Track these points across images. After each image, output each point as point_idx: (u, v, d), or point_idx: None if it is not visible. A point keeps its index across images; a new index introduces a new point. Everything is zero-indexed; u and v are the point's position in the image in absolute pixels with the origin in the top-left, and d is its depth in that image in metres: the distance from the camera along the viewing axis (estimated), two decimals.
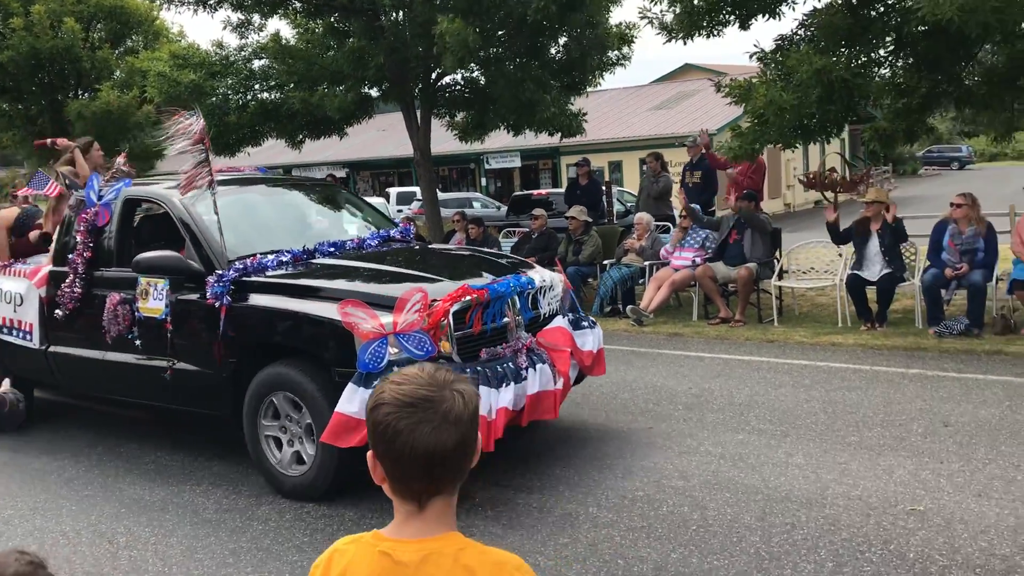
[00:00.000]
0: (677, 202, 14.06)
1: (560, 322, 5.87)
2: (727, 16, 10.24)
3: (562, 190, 19.82)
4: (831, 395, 7.00)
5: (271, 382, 5.40)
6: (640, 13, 10.67)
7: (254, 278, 5.61)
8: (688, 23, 10.18)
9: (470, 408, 1.59)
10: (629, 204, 21.00)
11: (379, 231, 6.91)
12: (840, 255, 10.40)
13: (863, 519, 4.60)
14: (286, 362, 5.37)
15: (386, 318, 4.89)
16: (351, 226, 7.16)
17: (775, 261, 10.77)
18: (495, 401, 4.92)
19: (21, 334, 6.99)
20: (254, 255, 5.82)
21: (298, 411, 5.30)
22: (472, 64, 13.59)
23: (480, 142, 16.78)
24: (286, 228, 6.70)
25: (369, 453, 1.62)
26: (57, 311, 6.59)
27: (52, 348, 6.81)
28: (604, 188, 15.54)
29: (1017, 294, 8.76)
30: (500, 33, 13.81)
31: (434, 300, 5.05)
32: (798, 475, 5.27)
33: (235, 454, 6.27)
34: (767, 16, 10.34)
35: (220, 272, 5.60)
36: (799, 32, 10.27)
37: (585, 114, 15.37)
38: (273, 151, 27.30)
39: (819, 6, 10.11)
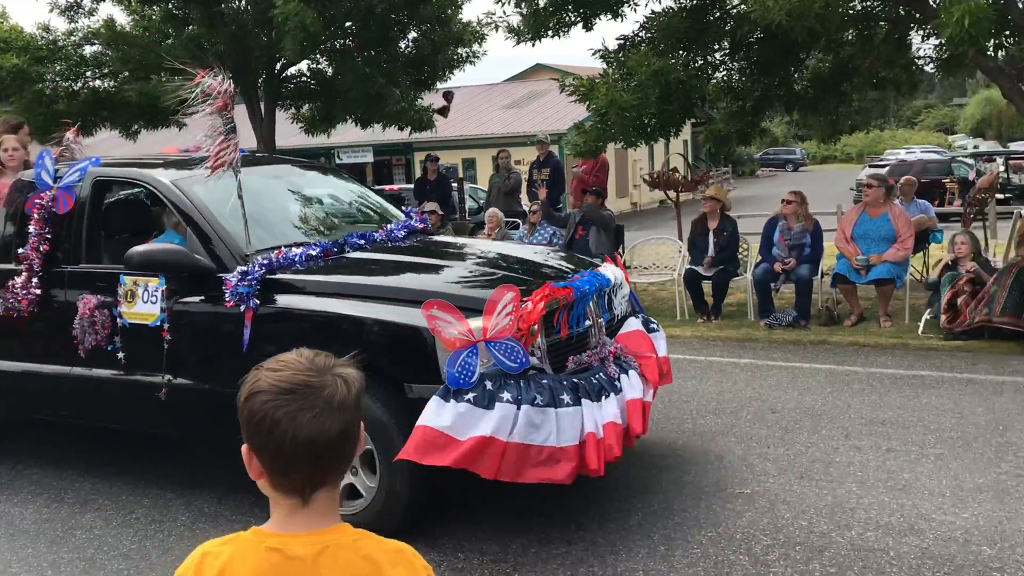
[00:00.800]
0: (526, 198, 14.24)
1: (636, 325, 5.19)
2: (571, 16, 10.43)
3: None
4: (668, 385, 7.23)
5: None
6: (487, 18, 10.76)
7: (281, 276, 4.66)
8: (534, 24, 10.33)
9: (353, 393, 1.53)
10: (482, 200, 21.14)
11: (400, 221, 5.85)
12: (680, 252, 10.78)
13: (694, 503, 4.77)
14: None
15: (475, 322, 4.08)
16: (365, 215, 6.13)
17: (618, 257, 11.06)
18: (599, 416, 4.23)
19: None
20: (278, 248, 4.84)
21: None
22: (317, 55, 13.35)
23: (326, 135, 16.50)
24: (295, 217, 5.76)
25: (244, 447, 1.52)
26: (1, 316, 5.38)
27: None
28: (456, 184, 15.59)
29: (840, 287, 9.30)
30: (348, 25, 13.62)
31: (523, 301, 4.28)
32: (635, 462, 5.42)
33: (58, 462, 5.90)
34: (610, 17, 10.60)
35: (244, 269, 4.58)
36: (640, 34, 10.58)
37: (435, 111, 15.37)
38: (108, 143, 25.98)
39: (659, 9, 10.44)
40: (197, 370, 4.83)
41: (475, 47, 14.51)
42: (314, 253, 4.90)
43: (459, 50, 14.50)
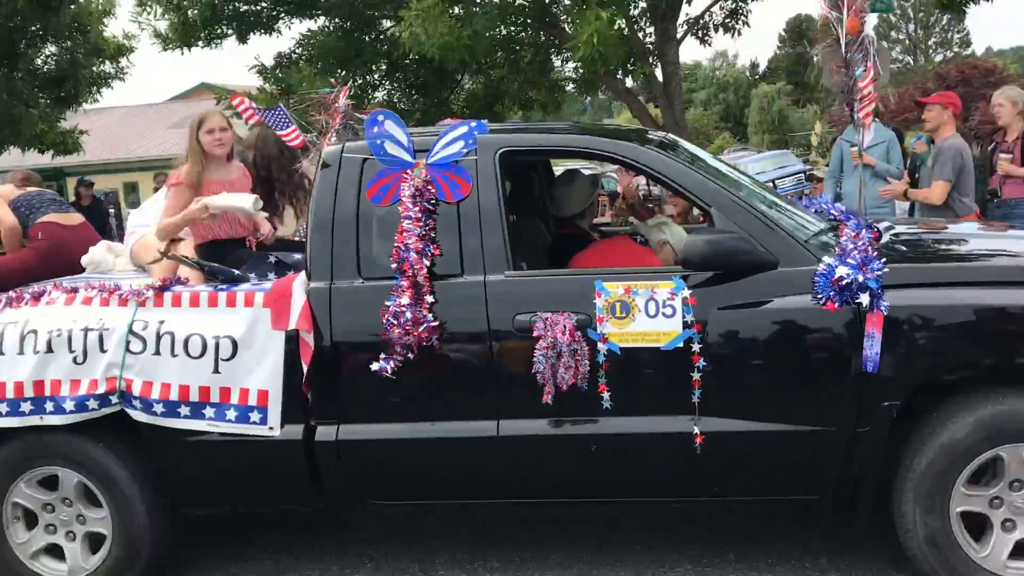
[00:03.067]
0: None
1: None
2: (224, 29, 10.22)
3: None
4: None
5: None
6: (131, 18, 10.29)
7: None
8: (183, 32, 9.99)
9: None
10: None
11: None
12: None
13: None
14: None
15: None
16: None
17: None
18: None
19: (233, 413, 3.56)
20: (840, 227, 3.64)
21: None
22: None
23: None
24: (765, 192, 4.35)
25: None
26: (381, 364, 3.41)
27: (328, 431, 3.55)
28: (113, 210, 14.63)
29: None
30: None
31: None
32: None
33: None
34: (265, 33, 10.50)
35: (863, 256, 3.29)
36: (297, 51, 10.57)
37: (83, 131, 14.25)
38: None
39: (314, 27, 10.49)
40: (755, 406, 3.44)
41: (123, 62, 13.65)
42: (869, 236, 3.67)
43: (106, 66, 13.56)
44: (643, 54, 10.45)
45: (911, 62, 48.14)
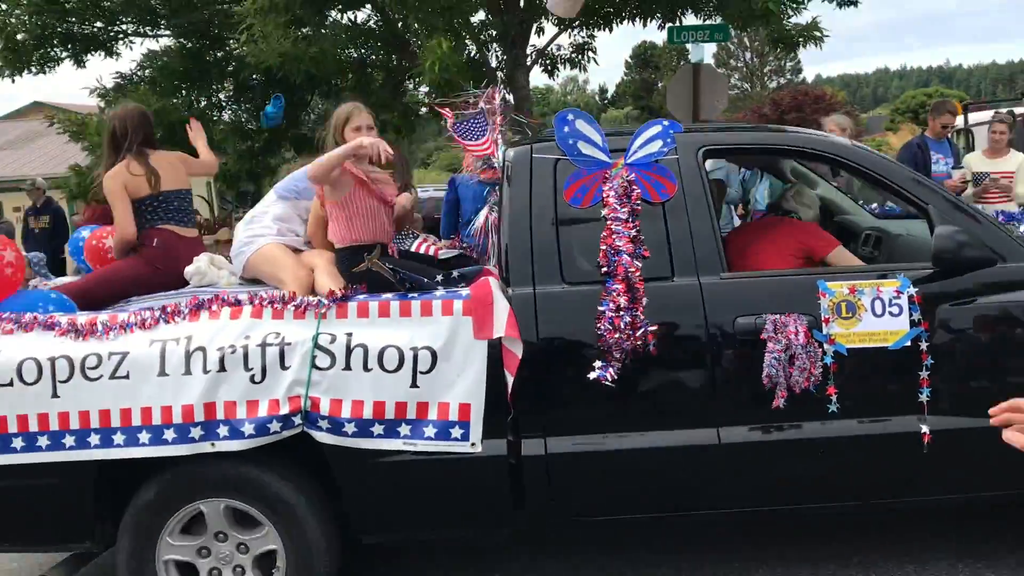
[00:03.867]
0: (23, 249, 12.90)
1: None
2: (58, 52, 9.78)
3: None
4: None
5: None
6: None
7: None
8: (13, 59, 9.51)
9: None
10: None
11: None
12: None
13: None
14: None
15: None
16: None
17: None
18: None
19: (432, 430, 3.21)
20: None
21: None
22: None
23: None
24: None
25: None
26: (599, 372, 3.20)
27: (535, 445, 3.31)
28: None
29: None
30: None
31: None
32: None
33: None
34: (104, 55, 10.11)
35: None
36: (138, 72, 10.22)
37: None
38: None
39: (156, 48, 10.19)
40: (984, 402, 2.98)
41: None
42: None
43: None
44: (494, 79, 10.60)
45: (748, 88, 50.68)
